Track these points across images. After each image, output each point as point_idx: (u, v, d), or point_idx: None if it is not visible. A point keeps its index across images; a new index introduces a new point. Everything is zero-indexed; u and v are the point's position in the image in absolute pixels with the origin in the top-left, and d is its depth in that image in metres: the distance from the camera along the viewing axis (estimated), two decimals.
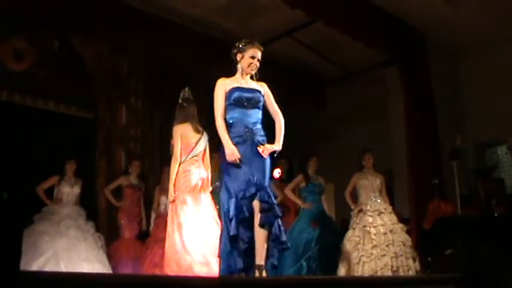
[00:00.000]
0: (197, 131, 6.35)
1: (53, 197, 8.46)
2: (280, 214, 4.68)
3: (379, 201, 8.07)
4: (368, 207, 7.96)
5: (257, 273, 4.47)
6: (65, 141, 9.64)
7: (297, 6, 8.75)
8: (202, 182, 6.26)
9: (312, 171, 8.74)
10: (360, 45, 9.91)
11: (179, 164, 6.20)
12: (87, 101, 10.79)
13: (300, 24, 10.27)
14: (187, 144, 6.27)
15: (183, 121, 6.42)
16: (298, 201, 8.77)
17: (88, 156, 9.62)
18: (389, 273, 7.26)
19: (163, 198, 8.80)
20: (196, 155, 6.30)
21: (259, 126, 4.95)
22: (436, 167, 10.12)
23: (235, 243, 4.63)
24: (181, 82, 11.67)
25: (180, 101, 6.63)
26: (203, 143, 6.37)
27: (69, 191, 8.47)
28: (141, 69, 11.35)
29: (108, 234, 9.18)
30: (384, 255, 7.48)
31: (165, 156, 11.22)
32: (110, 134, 10.72)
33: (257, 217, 4.56)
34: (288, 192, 8.83)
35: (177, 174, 6.17)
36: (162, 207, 8.80)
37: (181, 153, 6.23)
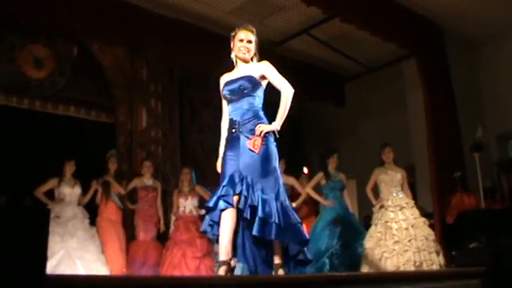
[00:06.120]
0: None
1: (54, 199, 8.51)
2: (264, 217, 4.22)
3: (400, 196, 8.03)
4: (389, 203, 7.93)
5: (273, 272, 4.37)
6: (86, 146, 9.74)
7: (313, 4, 8.74)
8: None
9: (332, 168, 8.74)
10: (378, 40, 9.88)
11: None
12: (107, 106, 10.91)
13: (316, 21, 10.25)
14: None
15: None
16: (320, 199, 8.78)
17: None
18: (412, 269, 7.22)
19: (181, 201, 8.88)
20: None
21: (248, 115, 4.53)
22: (458, 160, 10.07)
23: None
24: (200, 83, 11.81)
25: None
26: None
27: (71, 191, 8.50)
28: (160, 72, 11.44)
29: (130, 237, 9.26)
30: (406, 250, 7.43)
31: (186, 158, 11.34)
32: (131, 138, 10.81)
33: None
34: (309, 190, 8.84)
35: None
36: (181, 209, 8.88)
37: None
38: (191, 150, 11.76)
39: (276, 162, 4.47)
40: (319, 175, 8.80)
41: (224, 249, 4.29)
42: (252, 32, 4.73)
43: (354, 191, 11.12)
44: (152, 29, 9.43)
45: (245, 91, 4.57)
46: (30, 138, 9.42)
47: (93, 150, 9.57)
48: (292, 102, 4.53)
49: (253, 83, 4.58)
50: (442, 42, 10.85)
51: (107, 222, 8.70)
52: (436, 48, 10.69)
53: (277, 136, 4.53)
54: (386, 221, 7.78)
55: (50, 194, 8.55)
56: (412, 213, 7.85)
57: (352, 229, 8.41)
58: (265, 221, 4.20)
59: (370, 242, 7.82)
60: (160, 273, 8.50)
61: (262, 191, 4.29)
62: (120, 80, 10.91)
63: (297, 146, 13.59)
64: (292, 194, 9.11)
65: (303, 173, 10.77)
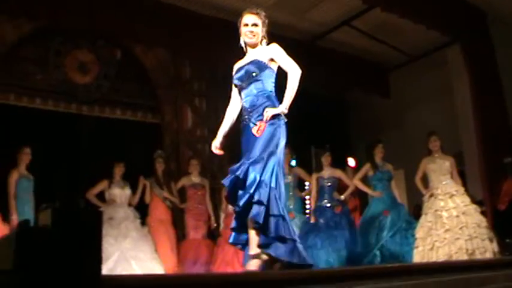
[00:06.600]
0: None
1: (105, 200, 8.68)
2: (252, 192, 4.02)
3: (450, 183, 7.95)
4: (439, 191, 7.84)
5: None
6: (134, 147, 9.89)
7: None
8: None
9: (378, 159, 8.70)
10: (419, 27, 9.77)
11: None
12: (152, 106, 11.05)
13: (357, 12, 10.19)
14: None
15: None
16: (368, 190, 8.76)
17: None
18: (465, 257, 7.14)
19: None
20: None
21: (258, 101, 4.37)
22: (507, 146, 9.87)
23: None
24: None
25: None
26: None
27: (121, 192, 8.66)
28: (203, 70, 11.52)
29: (181, 236, 9.35)
30: (458, 238, 7.33)
31: (233, 154, 11.40)
32: (177, 137, 10.93)
33: None
34: (357, 181, 8.82)
35: None
36: (230, 206, 8.92)
37: None
38: (238, 146, 11.79)
39: (276, 147, 4.23)
40: (366, 166, 8.77)
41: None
42: (257, 14, 4.56)
43: (402, 182, 11.04)
44: (193, 28, 9.50)
45: (252, 76, 4.43)
46: (79, 142, 9.60)
47: (141, 151, 9.72)
48: (299, 87, 4.30)
49: (260, 66, 4.44)
50: (485, 26, 10.64)
51: (157, 223, 8.84)
52: (480, 33, 10.49)
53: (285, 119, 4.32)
54: (436, 210, 7.70)
55: (100, 196, 8.73)
56: (462, 201, 7.74)
57: (402, 219, 8.37)
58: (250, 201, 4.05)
59: (420, 232, 7.75)
60: (212, 271, 8.56)
61: (252, 169, 4.11)
62: (163, 80, 11.05)
63: (344, 138, 13.53)
64: (340, 187, 9.09)
65: (348, 165, 10.73)
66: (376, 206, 8.50)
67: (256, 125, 4.27)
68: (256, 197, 4.02)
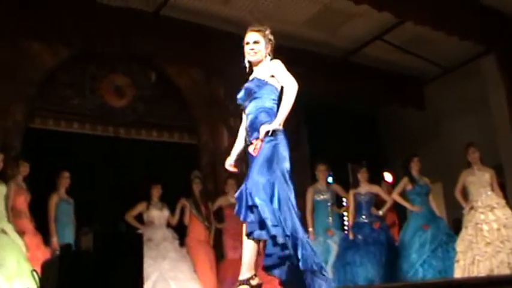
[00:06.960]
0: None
1: (143, 222, 8.78)
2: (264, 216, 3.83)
3: (490, 196, 7.83)
4: (479, 204, 7.74)
5: None
6: (171, 168, 9.96)
7: (385, 9, 8.66)
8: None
9: (415, 172, 8.63)
10: (453, 39, 9.69)
11: None
12: (189, 127, 11.11)
13: (389, 26, 10.16)
14: None
15: None
16: (408, 205, 8.68)
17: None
18: (507, 271, 7.02)
19: None
20: None
21: (257, 120, 4.21)
22: None
23: None
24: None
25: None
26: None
27: (159, 214, 8.76)
28: (237, 89, 11.53)
29: (219, 256, 9.35)
30: (499, 251, 7.23)
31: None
32: (214, 157, 10.93)
33: None
34: (396, 196, 8.76)
35: None
36: None
37: None
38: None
39: (277, 165, 4.01)
40: (404, 180, 8.71)
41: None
42: (257, 31, 4.40)
43: (440, 195, 10.91)
44: (227, 47, 9.54)
45: (251, 94, 4.35)
46: (117, 165, 9.71)
47: (178, 171, 9.78)
48: (295, 100, 4.11)
49: (259, 84, 4.33)
50: None
51: (195, 243, 8.87)
52: None
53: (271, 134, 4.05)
54: (477, 223, 7.61)
55: (139, 218, 8.81)
56: (503, 213, 7.64)
57: (442, 234, 8.28)
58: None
59: (461, 245, 7.66)
60: None
61: (253, 193, 3.89)
62: (198, 100, 11.10)
63: (380, 152, 13.44)
64: (377, 202, 9.05)
65: (385, 181, 10.66)
66: (416, 220, 8.42)
67: (252, 143, 4.15)
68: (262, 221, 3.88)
